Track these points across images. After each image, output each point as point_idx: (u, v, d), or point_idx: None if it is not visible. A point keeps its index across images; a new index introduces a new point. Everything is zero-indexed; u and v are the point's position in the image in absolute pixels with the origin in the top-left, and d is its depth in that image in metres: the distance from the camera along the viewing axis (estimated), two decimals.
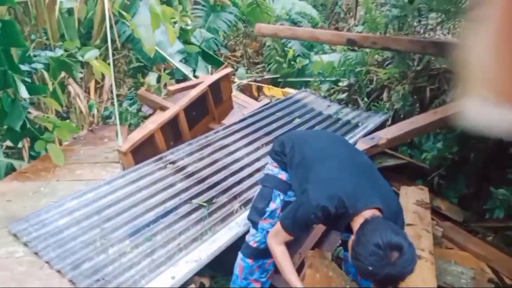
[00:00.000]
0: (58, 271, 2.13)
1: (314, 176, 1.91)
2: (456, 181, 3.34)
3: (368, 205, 1.73)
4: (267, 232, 2.09)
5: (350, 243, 1.68)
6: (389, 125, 3.58)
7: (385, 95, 4.11)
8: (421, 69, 3.92)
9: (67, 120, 3.60)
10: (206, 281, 2.44)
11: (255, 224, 2.16)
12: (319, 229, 2.78)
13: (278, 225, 1.95)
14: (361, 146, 3.19)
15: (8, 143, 3.51)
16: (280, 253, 1.95)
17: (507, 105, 0.76)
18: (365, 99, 4.21)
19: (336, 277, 2.17)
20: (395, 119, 3.73)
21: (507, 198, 2.96)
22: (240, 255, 2.20)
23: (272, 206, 2.11)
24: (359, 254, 1.58)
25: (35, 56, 3.48)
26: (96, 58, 3.34)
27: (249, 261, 2.16)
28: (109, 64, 3.46)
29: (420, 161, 3.47)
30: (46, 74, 3.52)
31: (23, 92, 2.77)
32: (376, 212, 1.73)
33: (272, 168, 2.20)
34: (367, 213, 1.71)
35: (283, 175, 2.16)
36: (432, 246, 2.41)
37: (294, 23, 6.07)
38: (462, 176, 3.34)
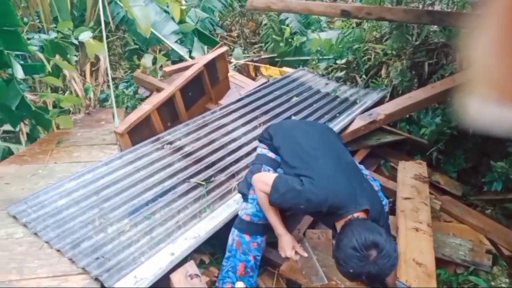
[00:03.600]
0: (58, 250, 2.14)
1: (311, 170, 1.94)
2: (455, 156, 3.33)
3: (358, 207, 1.78)
4: (258, 203, 2.10)
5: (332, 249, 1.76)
6: (387, 101, 3.56)
7: (383, 71, 4.07)
8: (419, 44, 3.88)
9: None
10: (206, 258, 2.46)
11: (245, 196, 2.17)
12: None
13: (269, 181, 1.95)
14: (359, 122, 3.19)
15: (5, 127, 3.52)
16: (263, 197, 2.00)
17: (509, 104, 0.75)
18: (363, 76, 4.18)
19: (323, 261, 2.27)
20: (394, 95, 3.71)
21: (506, 170, 2.96)
22: (235, 231, 2.17)
23: None
24: (340, 259, 1.63)
25: (28, 39, 3.45)
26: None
27: (246, 237, 2.14)
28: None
29: (419, 136, 3.47)
30: (42, 56, 3.49)
31: (19, 72, 2.77)
32: (362, 214, 1.79)
33: (262, 150, 2.28)
34: (354, 215, 1.76)
35: (272, 154, 2.23)
36: (430, 219, 2.42)
37: None
38: (460, 151, 3.33)
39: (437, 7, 4.54)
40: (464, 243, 2.55)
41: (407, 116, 3.59)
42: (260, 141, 2.37)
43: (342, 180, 1.89)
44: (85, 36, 3.21)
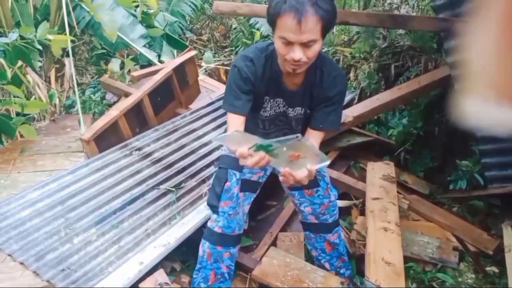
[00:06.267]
0: (21, 263, 2.07)
1: None
2: (422, 156, 3.42)
3: None
4: (229, 215, 1.98)
5: None
6: (356, 104, 3.61)
7: (351, 74, 4.14)
8: (385, 47, 3.97)
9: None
10: (177, 266, 2.42)
11: (215, 209, 2.00)
12: (288, 209, 2.80)
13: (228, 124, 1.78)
14: None
15: None
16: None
17: (509, 104, 0.74)
18: None
19: (295, 263, 2.24)
20: (362, 97, 3.77)
21: (470, 169, 3.05)
22: (206, 243, 2.06)
23: (227, 184, 1.96)
24: None
25: None
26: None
27: (218, 248, 2.05)
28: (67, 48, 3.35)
29: (387, 137, 3.54)
30: (3, 62, 3.37)
31: None
32: None
33: (225, 147, 2.10)
34: None
35: None
36: (398, 218, 2.46)
37: (259, 2, 6.00)
38: (427, 150, 3.42)
39: (402, 11, 4.66)
40: (432, 241, 2.61)
41: (375, 117, 3.65)
42: None
43: None
44: (43, 31, 3.11)
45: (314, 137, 1.78)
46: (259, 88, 1.72)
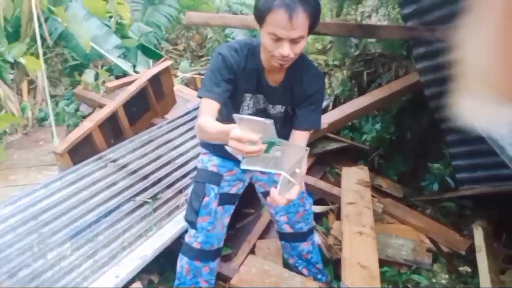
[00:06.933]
0: None
1: None
2: (395, 160, 3.50)
3: None
4: (207, 231, 1.95)
5: None
6: (330, 110, 3.67)
7: (326, 81, 4.21)
8: (358, 54, 4.06)
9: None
10: (155, 278, 2.40)
11: (193, 225, 1.95)
12: (265, 217, 2.82)
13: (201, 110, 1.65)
14: None
15: None
16: (202, 122, 1.53)
17: (507, 103, 0.74)
18: None
19: (273, 270, 2.25)
20: (336, 104, 3.84)
21: (441, 172, 3.15)
22: (184, 258, 2.02)
23: (205, 199, 1.91)
24: None
25: None
26: (25, 54, 3.20)
27: (197, 263, 2.02)
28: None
29: (361, 143, 3.61)
30: None
31: None
32: None
33: (202, 159, 2.02)
34: None
35: (214, 166, 1.97)
36: (373, 222, 2.51)
37: (235, 13, 6.03)
38: (399, 155, 3.51)
39: (374, 19, 4.78)
40: (406, 243, 2.67)
41: (350, 123, 3.73)
42: (201, 145, 2.07)
43: None
44: (18, 52, 3.06)
45: (300, 139, 1.74)
46: (240, 81, 1.70)
